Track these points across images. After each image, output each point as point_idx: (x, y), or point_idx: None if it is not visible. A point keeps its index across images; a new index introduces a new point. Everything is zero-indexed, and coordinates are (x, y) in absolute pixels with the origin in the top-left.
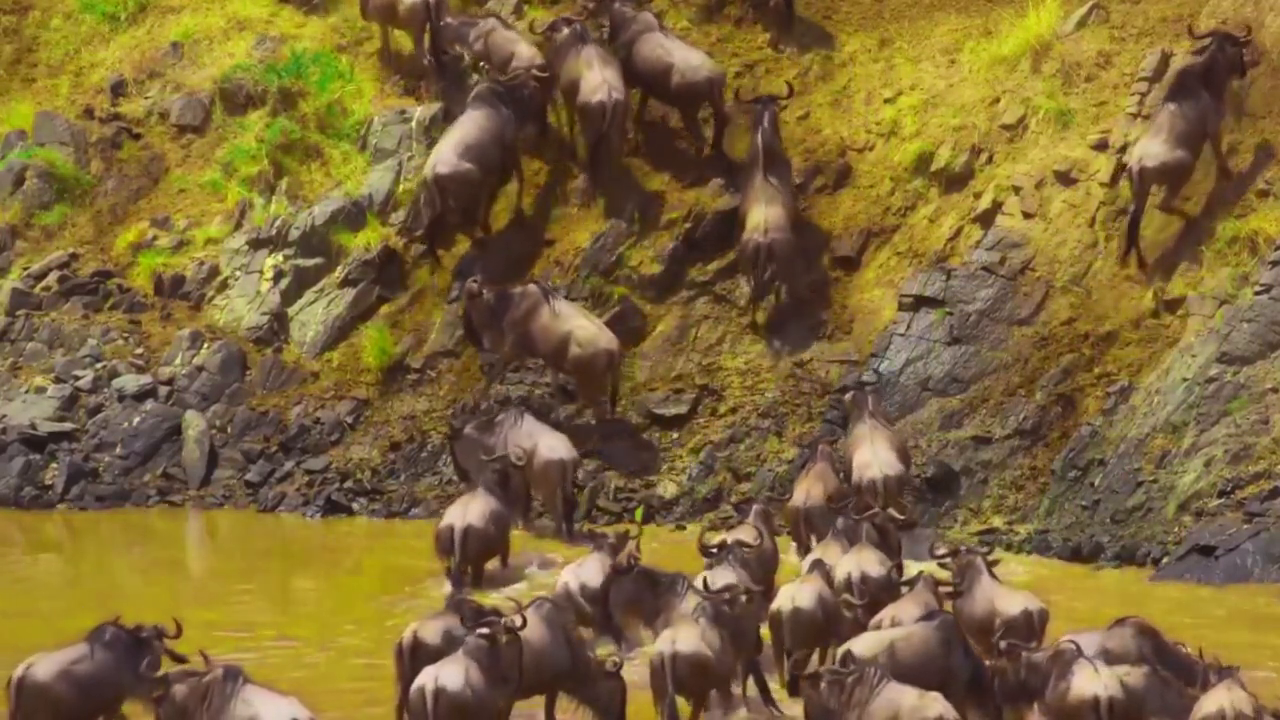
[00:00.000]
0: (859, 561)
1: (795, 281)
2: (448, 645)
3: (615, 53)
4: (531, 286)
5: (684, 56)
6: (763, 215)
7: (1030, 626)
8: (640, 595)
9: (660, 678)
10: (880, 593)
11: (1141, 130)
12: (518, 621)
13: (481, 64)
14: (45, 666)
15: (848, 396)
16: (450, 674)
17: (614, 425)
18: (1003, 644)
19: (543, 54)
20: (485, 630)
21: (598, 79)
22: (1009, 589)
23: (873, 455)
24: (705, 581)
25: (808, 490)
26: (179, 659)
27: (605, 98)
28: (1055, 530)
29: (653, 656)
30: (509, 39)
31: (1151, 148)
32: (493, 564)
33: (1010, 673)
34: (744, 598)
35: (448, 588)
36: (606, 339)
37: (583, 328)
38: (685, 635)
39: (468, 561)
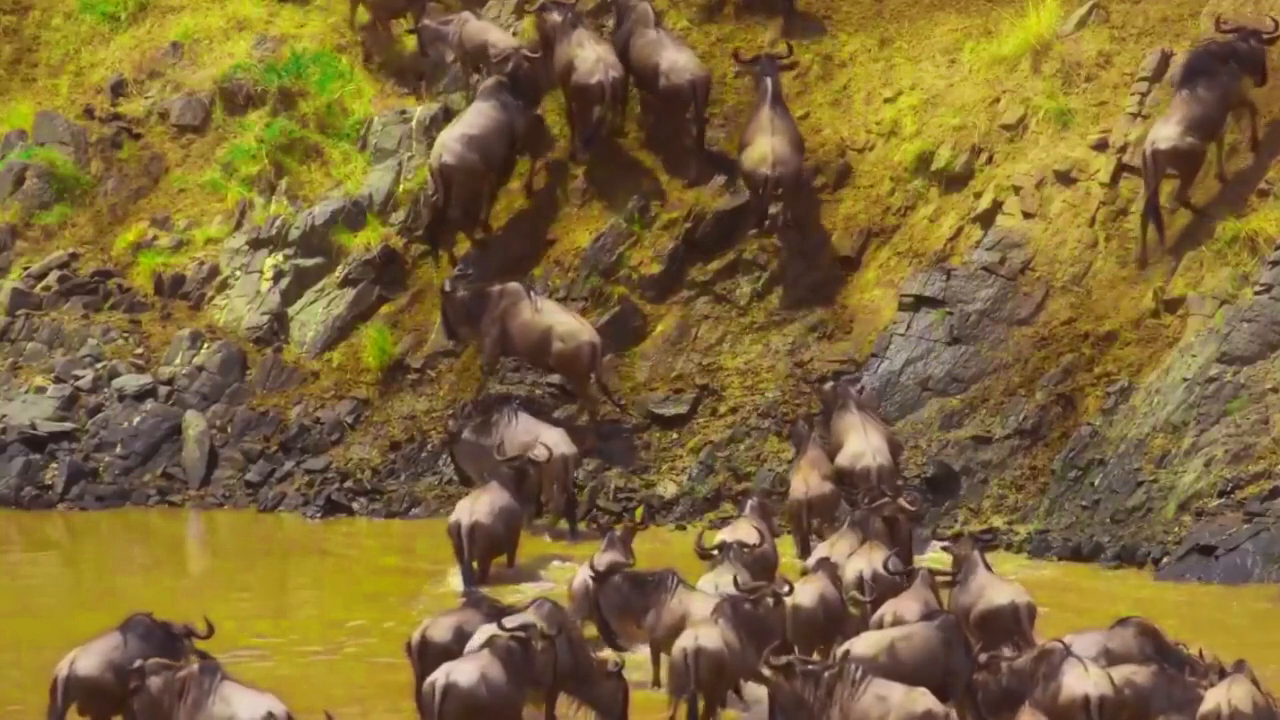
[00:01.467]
0: (871, 560)
1: (800, 212)
2: (458, 643)
3: (614, 44)
4: (512, 284)
5: (671, 57)
6: (769, 145)
7: (1015, 619)
8: (629, 598)
9: (683, 674)
10: (890, 593)
11: (1142, 130)
12: (552, 629)
13: (471, 63)
14: (88, 660)
15: (827, 386)
16: (464, 670)
17: (614, 425)
18: (982, 656)
19: (533, 37)
20: (521, 633)
21: (592, 57)
22: (1001, 581)
23: (866, 444)
24: (736, 580)
25: (805, 479)
26: (205, 658)
27: (603, 76)
28: (1055, 530)
29: (674, 652)
30: (481, 29)
31: (1164, 131)
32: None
33: (992, 683)
34: (771, 600)
35: (457, 585)
36: (588, 332)
37: (563, 323)
38: (708, 632)
39: (475, 557)
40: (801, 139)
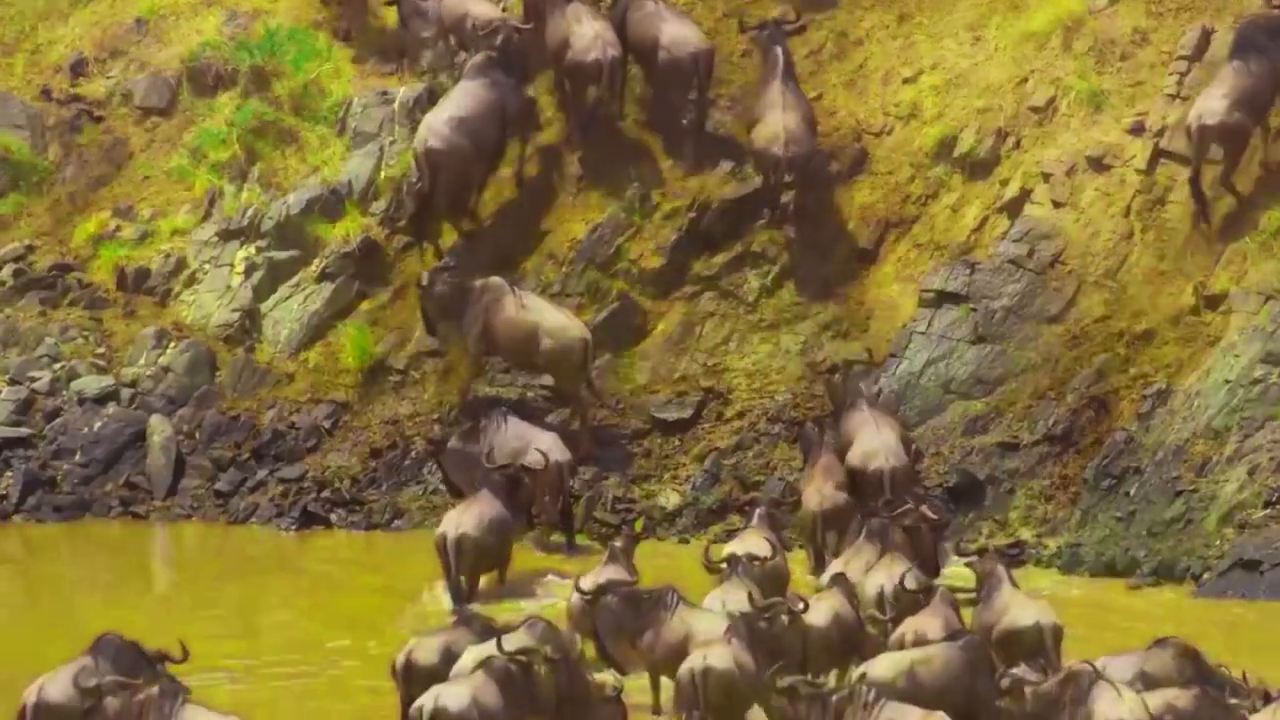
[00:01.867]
0: (891, 574)
1: (813, 200)
2: (446, 665)
3: (611, 19)
4: (494, 278)
5: (672, 30)
6: (780, 123)
7: (1040, 641)
8: (623, 618)
9: (690, 697)
10: (911, 609)
11: (1181, 112)
12: (556, 653)
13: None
14: (58, 686)
15: (836, 377)
16: (455, 694)
17: (611, 430)
18: (1005, 681)
19: (522, 11)
20: (522, 658)
21: (589, 34)
22: (1027, 599)
23: (878, 443)
24: (751, 596)
25: (819, 489)
26: (171, 681)
27: (600, 55)
28: (1087, 544)
29: (680, 673)
30: (461, 1)
31: (1211, 105)
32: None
33: (1015, 710)
34: (785, 618)
35: (444, 602)
36: (578, 328)
37: (552, 319)
38: (718, 652)
39: (463, 572)
40: (815, 116)
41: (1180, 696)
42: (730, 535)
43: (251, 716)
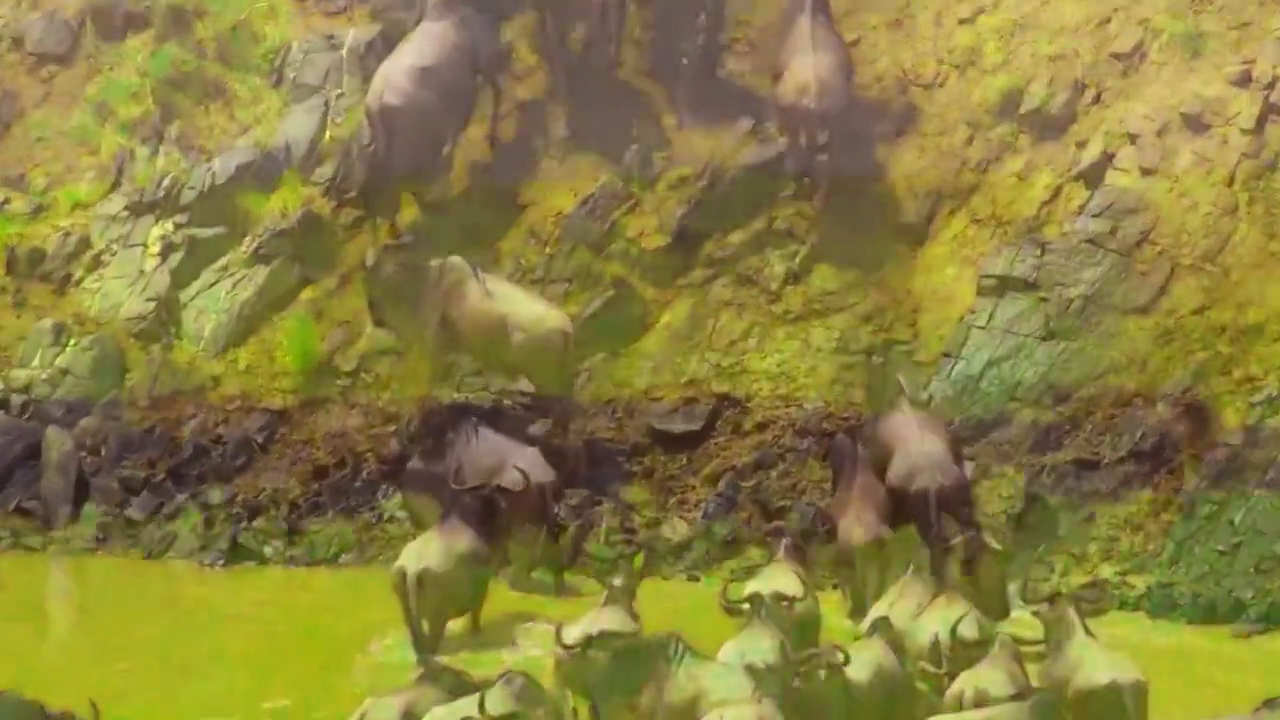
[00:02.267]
0: (947, 618)
1: (849, 166)
2: None
3: None
4: (454, 258)
5: None
6: (810, 71)
7: (1118, 702)
8: (618, 673)
9: None
10: (970, 661)
11: None
12: (545, 717)
13: None
14: None
15: (875, 359)
16: None
17: (605, 444)
18: None
19: None
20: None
21: None
22: (1104, 652)
23: (924, 456)
24: (784, 647)
25: (858, 516)
26: None
27: None
28: (1183, 583)
29: None
30: None
31: None
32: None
33: None
34: (822, 672)
35: (407, 653)
36: (555, 318)
37: (524, 309)
38: (739, 712)
39: (426, 616)
40: (852, 63)
41: None
42: (750, 572)
43: None
